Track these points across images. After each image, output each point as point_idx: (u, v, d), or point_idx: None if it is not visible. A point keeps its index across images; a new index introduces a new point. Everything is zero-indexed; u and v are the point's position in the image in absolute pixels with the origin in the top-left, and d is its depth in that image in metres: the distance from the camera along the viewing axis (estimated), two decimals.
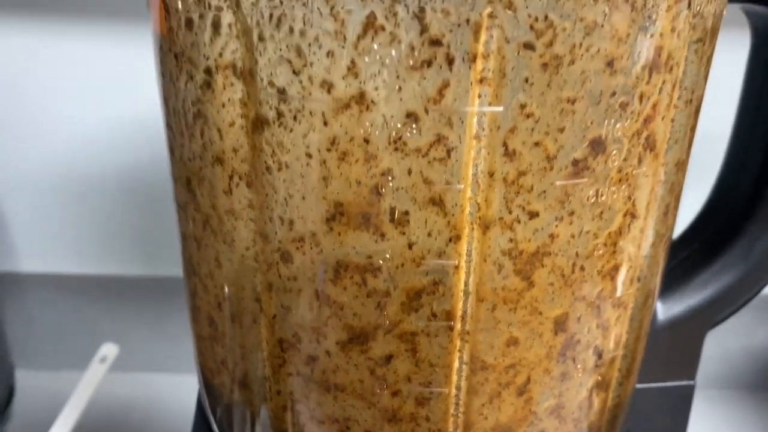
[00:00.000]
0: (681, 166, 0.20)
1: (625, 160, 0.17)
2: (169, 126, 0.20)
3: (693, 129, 0.20)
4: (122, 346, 0.57)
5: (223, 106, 0.18)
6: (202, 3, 0.17)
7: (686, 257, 0.26)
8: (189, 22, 0.17)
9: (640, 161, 0.18)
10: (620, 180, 0.17)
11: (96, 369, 0.51)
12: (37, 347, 0.61)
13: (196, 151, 0.19)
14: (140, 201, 0.57)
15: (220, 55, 0.17)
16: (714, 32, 0.19)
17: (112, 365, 0.54)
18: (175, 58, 0.18)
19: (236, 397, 0.21)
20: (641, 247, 0.19)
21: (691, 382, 0.27)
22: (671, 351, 0.26)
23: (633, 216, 0.18)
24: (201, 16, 0.17)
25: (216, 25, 0.17)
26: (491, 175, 0.16)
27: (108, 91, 0.52)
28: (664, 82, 0.17)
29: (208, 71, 0.17)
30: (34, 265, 0.60)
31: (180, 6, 0.17)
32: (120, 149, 0.54)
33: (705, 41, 0.18)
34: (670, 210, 0.20)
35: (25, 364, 0.60)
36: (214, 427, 0.23)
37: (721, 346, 0.56)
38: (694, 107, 0.19)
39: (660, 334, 0.26)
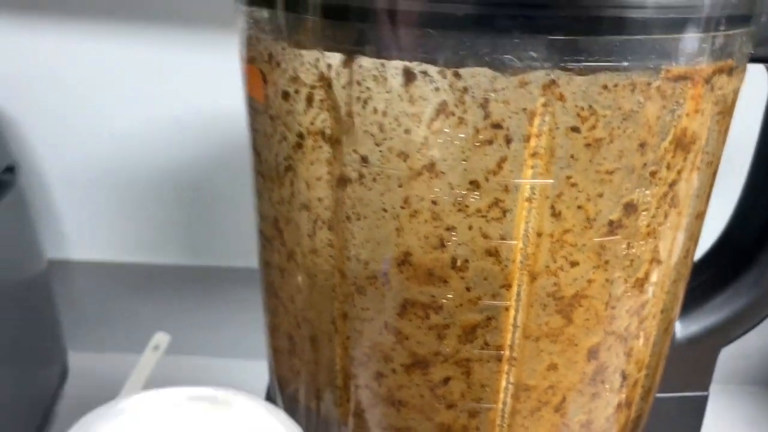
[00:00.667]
0: (700, 216, 0.23)
1: (653, 217, 0.20)
2: (258, 172, 0.24)
3: (712, 184, 0.23)
4: (167, 331, 0.61)
5: (312, 163, 0.21)
6: (298, 81, 0.20)
7: (704, 281, 0.29)
8: (285, 94, 0.21)
9: (665, 217, 0.21)
10: (648, 234, 0.20)
11: (149, 357, 0.55)
12: (87, 331, 0.64)
13: (285, 197, 0.22)
14: (184, 195, 0.60)
15: (312, 123, 0.20)
16: (733, 104, 0.22)
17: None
18: (270, 119, 0.22)
19: (308, 403, 0.25)
20: (664, 286, 0.22)
21: (705, 393, 0.30)
22: (687, 365, 0.29)
23: (658, 262, 0.21)
24: (296, 91, 0.20)
25: (309, 100, 0.20)
26: (540, 232, 0.19)
27: (154, 89, 0.55)
28: (688, 152, 0.20)
29: (300, 135, 0.21)
30: (83, 253, 0.63)
31: (278, 81, 0.21)
32: (166, 144, 0.57)
33: (725, 113, 0.21)
34: (689, 253, 0.23)
35: (77, 346, 0.63)
36: None
37: (740, 343, 0.58)
38: (713, 168, 0.22)
39: (678, 350, 0.29)
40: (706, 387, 0.30)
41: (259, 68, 0.21)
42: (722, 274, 0.29)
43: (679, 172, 0.20)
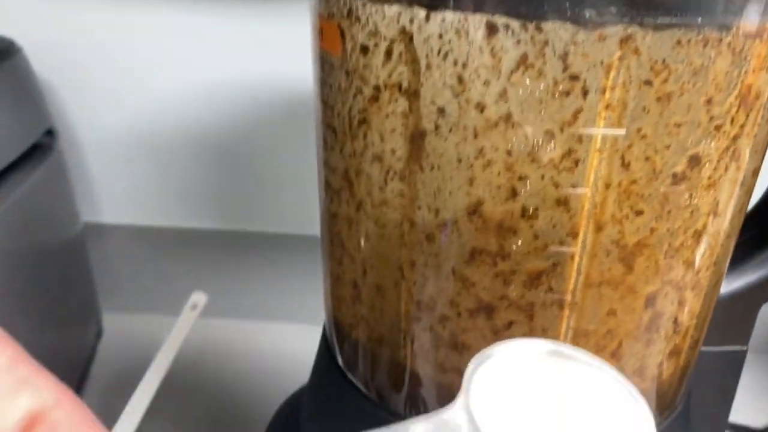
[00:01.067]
0: (757, 170, 0.24)
1: (714, 170, 0.21)
2: (328, 125, 0.25)
3: None
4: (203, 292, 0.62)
5: (387, 116, 0.22)
6: (377, 35, 0.21)
7: (749, 238, 0.30)
8: (364, 48, 0.22)
9: (726, 170, 0.22)
10: (709, 186, 0.21)
11: (187, 316, 0.57)
12: (121, 293, 0.66)
13: (357, 150, 0.23)
14: (219, 160, 0.61)
15: (389, 76, 0.21)
16: None
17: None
18: (345, 74, 0.23)
19: (371, 346, 0.26)
20: (719, 239, 0.23)
21: (744, 348, 0.31)
22: (729, 319, 0.31)
23: (715, 214, 0.22)
24: (375, 45, 0.21)
25: (388, 53, 0.21)
26: (608, 181, 0.20)
27: (190, 54, 0.56)
28: (751, 108, 0.21)
29: (376, 88, 0.22)
30: (119, 217, 0.65)
31: (356, 35, 0.22)
32: (203, 109, 0.58)
33: None
34: (743, 207, 0.24)
35: (111, 308, 0.65)
36: (341, 365, 0.28)
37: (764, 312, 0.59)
38: None
39: (720, 305, 0.30)
40: (745, 342, 0.31)
41: (337, 23, 0.22)
42: (765, 232, 0.30)
43: (741, 127, 0.21)
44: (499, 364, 0.17)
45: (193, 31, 0.55)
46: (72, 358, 0.56)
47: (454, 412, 0.16)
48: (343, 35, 0.22)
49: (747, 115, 0.21)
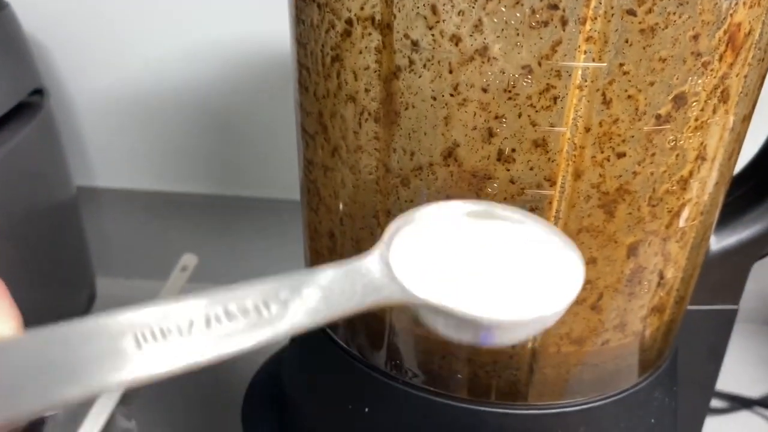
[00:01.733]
0: (747, 116, 0.23)
1: (701, 110, 0.20)
2: (302, 65, 0.24)
3: (761, 86, 0.22)
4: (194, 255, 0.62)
5: (360, 52, 0.21)
6: None
7: (741, 195, 0.29)
8: None
9: (714, 112, 0.21)
10: (696, 128, 0.20)
11: (177, 277, 0.56)
12: (114, 257, 0.66)
13: (331, 90, 0.22)
14: (210, 123, 0.60)
15: (361, 8, 0.20)
16: None
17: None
18: (317, 8, 0.22)
19: None
20: (706, 186, 0.22)
21: (735, 306, 0.30)
22: (720, 278, 0.30)
23: (703, 159, 0.21)
24: None
25: None
26: (589, 120, 0.19)
27: (182, 17, 0.55)
28: (741, 46, 0.20)
29: (348, 22, 0.21)
30: (110, 180, 0.64)
31: None
32: (194, 73, 0.57)
33: None
34: (733, 154, 0.23)
35: (104, 272, 0.64)
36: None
37: (761, 283, 0.59)
38: (765, 65, 0.22)
39: (711, 263, 0.29)
40: (736, 300, 0.30)
41: None
42: (759, 188, 0.29)
43: (730, 65, 0.20)
44: (421, 225, 0.16)
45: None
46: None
47: (368, 260, 0.15)
48: None
49: (737, 53, 0.20)
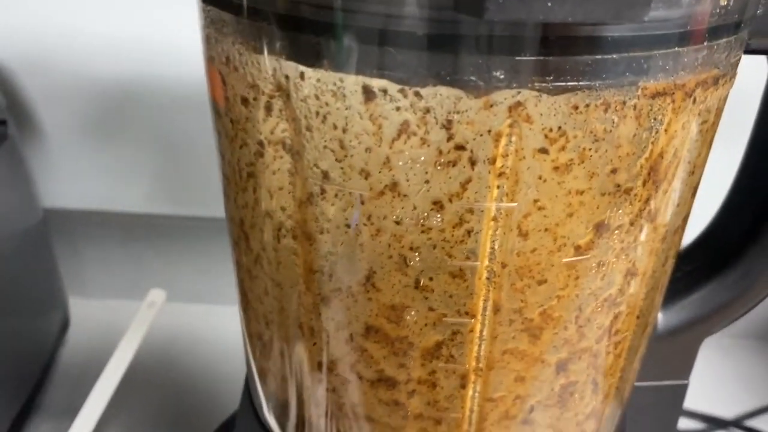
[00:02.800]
0: (683, 223, 0.22)
1: (627, 233, 0.19)
2: (224, 174, 0.23)
3: (694, 192, 0.22)
4: (165, 279, 0.62)
5: (273, 173, 0.20)
6: (256, 88, 0.19)
7: (689, 272, 0.29)
8: (244, 100, 0.20)
9: (641, 232, 0.20)
10: (622, 250, 0.20)
11: (145, 314, 0.56)
12: (87, 279, 0.65)
13: (249, 202, 0.22)
14: (179, 145, 0.59)
15: (272, 132, 0.19)
16: (720, 111, 0.20)
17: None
18: (231, 123, 0.21)
19: (281, 402, 0.25)
20: (640, 295, 0.22)
21: (685, 382, 0.30)
22: (668, 355, 0.29)
23: (633, 275, 0.21)
24: (255, 98, 0.19)
25: (268, 108, 0.19)
26: (506, 251, 0.19)
27: (153, 39, 0.54)
28: (668, 168, 0.19)
29: (260, 143, 0.20)
30: (80, 202, 0.63)
31: (236, 85, 0.20)
32: (161, 95, 0.56)
33: (709, 121, 0.20)
34: (668, 259, 0.22)
35: (78, 293, 0.64)
36: (264, 418, 0.27)
37: None
38: (696, 177, 0.21)
39: (659, 340, 0.28)
40: (686, 376, 0.30)
41: (218, 69, 0.20)
42: (707, 266, 0.28)
43: (656, 188, 0.19)
44: None
45: (151, 19, 0.53)
46: (37, 348, 0.56)
47: None
48: (224, 82, 0.20)
49: (663, 174, 0.19)
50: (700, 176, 0.22)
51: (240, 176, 0.21)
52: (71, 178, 0.62)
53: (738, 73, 0.21)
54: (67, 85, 0.57)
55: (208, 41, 0.21)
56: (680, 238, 0.23)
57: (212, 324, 0.61)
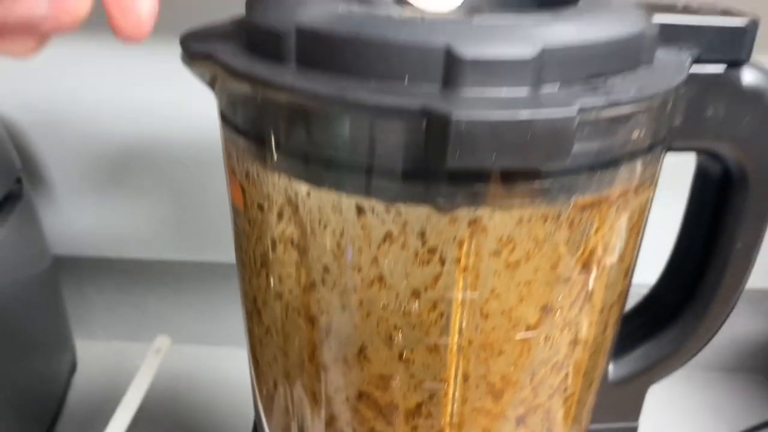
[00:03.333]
0: (619, 298, 0.27)
1: (568, 311, 0.24)
2: (240, 259, 0.27)
3: (628, 272, 0.26)
4: (168, 322, 0.65)
5: (283, 264, 0.25)
6: (270, 198, 0.24)
7: (636, 328, 0.34)
8: (260, 206, 0.24)
9: (580, 310, 0.25)
10: (565, 325, 0.24)
11: (151, 359, 0.60)
12: (94, 322, 0.69)
13: (262, 285, 0.26)
14: (183, 194, 0.63)
15: (282, 232, 0.24)
16: (643, 210, 0.25)
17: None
18: (248, 222, 0.25)
19: None
20: (584, 359, 0.26)
21: (635, 424, 0.35)
22: (619, 401, 0.34)
23: (576, 343, 0.25)
24: (269, 206, 0.24)
25: (280, 215, 0.24)
26: (471, 330, 0.23)
27: (155, 97, 0.58)
28: (600, 259, 0.24)
29: (272, 240, 0.25)
30: (88, 249, 0.67)
31: (254, 193, 0.24)
32: (167, 146, 0.60)
33: (634, 218, 0.25)
34: (608, 327, 0.27)
35: (85, 336, 0.67)
36: None
37: None
38: (627, 261, 0.26)
39: (611, 388, 0.33)
40: (636, 418, 0.34)
41: (239, 180, 0.25)
42: (651, 324, 0.33)
43: (591, 276, 0.24)
44: None
45: (155, 75, 0.57)
46: (46, 392, 0.59)
47: None
48: (243, 191, 0.25)
49: (597, 265, 0.24)
50: (632, 259, 0.26)
51: (254, 263, 0.26)
52: (79, 227, 0.66)
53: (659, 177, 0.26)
54: (75, 142, 0.61)
55: (229, 155, 0.25)
56: (620, 308, 0.27)
57: (215, 365, 0.64)
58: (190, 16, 0.53)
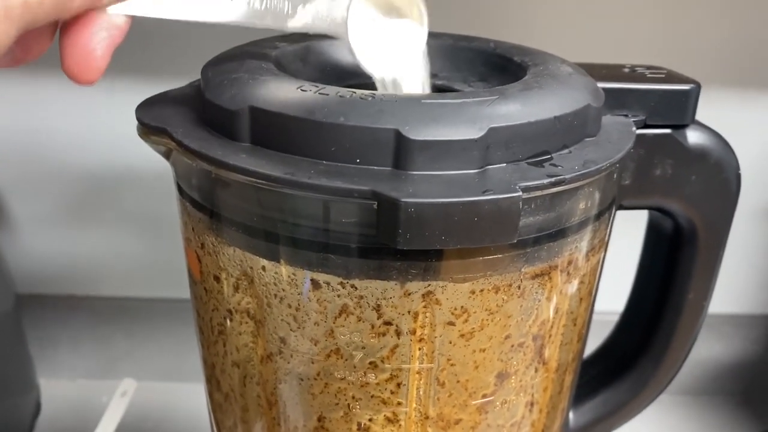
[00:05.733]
0: (573, 357, 0.27)
1: (523, 375, 0.25)
2: (198, 326, 0.27)
3: (581, 333, 0.27)
4: (134, 360, 0.65)
5: (240, 334, 0.25)
6: (226, 270, 0.24)
7: (594, 376, 0.34)
8: (216, 278, 0.24)
9: (536, 372, 0.25)
10: (521, 388, 0.25)
11: (117, 402, 0.59)
12: (58, 361, 0.67)
13: (219, 352, 0.26)
14: (148, 231, 0.62)
15: (238, 303, 0.24)
16: (594, 272, 0.26)
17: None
18: (204, 291, 0.26)
19: None
20: (541, 417, 0.27)
21: None
22: None
23: (533, 404, 0.26)
24: (225, 278, 0.24)
25: (236, 287, 0.24)
26: (429, 398, 0.24)
27: (120, 132, 0.57)
28: (552, 323, 0.24)
29: (229, 311, 0.25)
30: (52, 287, 0.66)
31: (209, 264, 0.24)
32: (124, 183, 0.60)
33: (586, 282, 0.25)
34: (564, 386, 0.28)
35: (50, 374, 0.66)
36: None
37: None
38: (580, 323, 0.26)
39: None
40: None
41: (194, 250, 0.25)
42: (609, 372, 0.34)
43: (544, 340, 0.24)
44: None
45: (120, 110, 0.56)
46: None
47: (343, 4, 0.23)
48: (200, 260, 0.25)
49: (550, 327, 0.24)
50: (586, 320, 0.27)
51: (212, 332, 0.26)
52: (43, 264, 0.65)
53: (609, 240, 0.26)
54: (37, 177, 0.60)
55: (185, 225, 0.26)
56: (576, 365, 0.28)
57: (183, 402, 0.64)
58: (154, 53, 0.54)
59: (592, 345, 0.33)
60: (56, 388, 0.65)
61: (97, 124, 0.57)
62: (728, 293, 0.60)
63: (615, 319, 0.35)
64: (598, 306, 0.28)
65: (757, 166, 0.52)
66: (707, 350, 0.64)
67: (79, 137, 0.58)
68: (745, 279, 0.61)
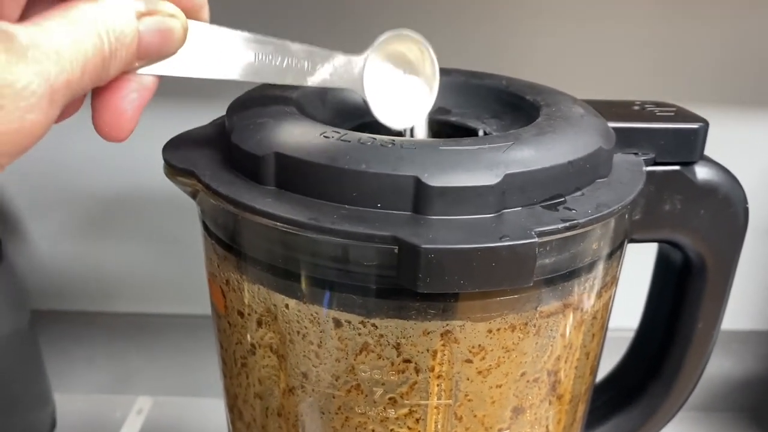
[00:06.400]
0: (586, 389, 0.28)
1: (538, 409, 0.25)
2: (222, 357, 0.28)
3: (593, 365, 0.28)
4: (149, 375, 0.65)
5: (263, 367, 0.26)
6: (250, 307, 0.25)
7: (606, 400, 0.35)
8: (240, 313, 0.25)
9: (549, 404, 0.26)
10: (536, 420, 0.26)
11: (133, 420, 0.60)
12: (73, 376, 0.68)
13: (242, 384, 0.27)
14: (162, 247, 0.63)
15: (262, 338, 0.25)
16: (606, 308, 0.27)
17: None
18: (228, 325, 0.26)
19: None
20: None
21: None
22: None
23: None
24: (249, 314, 0.25)
25: (259, 322, 0.25)
26: (447, 430, 0.24)
27: (128, 148, 0.58)
28: (567, 358, 0.25)
29: (252, 345, 0.25)
30: (68, 303, 0.67)
31: (234, 300, 0.25)
32: (137, 203, 0.61)
33: (599, 317, 0.26)
34: (576, 417, 0.28)
35: (66, 389, 0.67)
36: None
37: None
38: (593, 356, 0.27)
39: None
40: None
41: (219, 285, 0.26)
42: (620, 398, 0.35)
43: (557, 374, 0.25)
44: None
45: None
46: None
47: (360, 59, 0.25)
48: (224, 295, 0.26)
49: (564, 362, 0.25)
50: (598, 353, 0.28)
51: (235, 364, 0.27)
52: (59, 281, 0.66)
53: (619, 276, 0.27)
54: (53, 194, 0.61)
55: (210, 261, 0.26)
56: (587, 398, 0.29)
57: (199, 417, 0.65)
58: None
59: (602, 362, 0.34)
60: (71, 403, 0.66)
61: (110, 145, 0.58)
62: (737, 309, 0.61)
63: (621, 335, 0.35)
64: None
65: (763, 182, 0.53)
66: (716, 367, 0.64)
67: (95, 154, 0.59)
68: (754, 295, 0.61)
